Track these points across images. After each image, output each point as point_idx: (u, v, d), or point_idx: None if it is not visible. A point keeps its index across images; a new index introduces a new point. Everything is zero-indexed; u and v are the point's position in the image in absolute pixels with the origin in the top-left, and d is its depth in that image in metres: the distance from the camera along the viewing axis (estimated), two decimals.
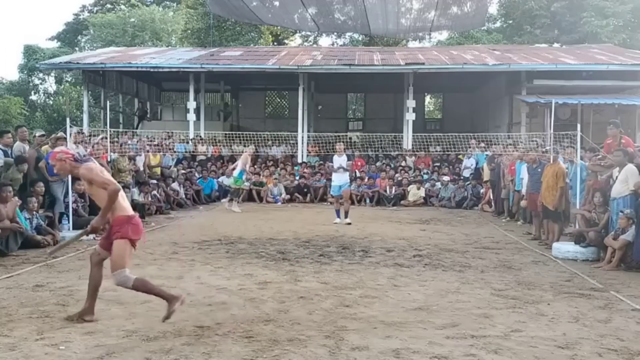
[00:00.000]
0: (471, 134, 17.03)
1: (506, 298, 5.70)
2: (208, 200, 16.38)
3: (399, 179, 16.91)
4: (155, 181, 13.90)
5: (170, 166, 16.48)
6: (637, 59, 19.48)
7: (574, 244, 8.22)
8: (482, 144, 16.56)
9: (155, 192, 13.47)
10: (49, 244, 8.43)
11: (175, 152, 16.90)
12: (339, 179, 11.83)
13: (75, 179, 9.91)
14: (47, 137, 11.10)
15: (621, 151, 7.98)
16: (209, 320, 4.78)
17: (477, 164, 16.81)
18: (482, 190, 15.30)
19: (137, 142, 14.95)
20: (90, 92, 22.91)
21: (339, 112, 28.16)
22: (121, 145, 13.62)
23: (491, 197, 14.43)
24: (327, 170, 16.86)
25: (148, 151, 14.55)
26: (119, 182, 12.17)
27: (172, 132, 19.26)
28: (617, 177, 7.84)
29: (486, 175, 15.36)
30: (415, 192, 16.18)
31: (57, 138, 9.85)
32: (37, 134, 10.83)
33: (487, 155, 15.41)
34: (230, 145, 18.83)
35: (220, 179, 17.20)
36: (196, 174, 16.93)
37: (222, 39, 31.24)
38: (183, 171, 16.47)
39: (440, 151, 18.47)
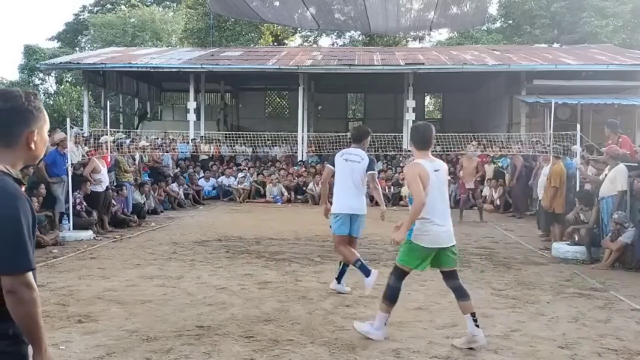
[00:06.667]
0: (471, 134, 17.03)
1: (506, 298, 5.71)
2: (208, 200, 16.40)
3: (397, 178, 16.89)
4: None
5: (169, 165, 16.48)
6: (637, 59, 19.47)
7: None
8: (475, 143, 16.59)
9: (154, 192, 13.48)
10: (50, 244, 8.44)
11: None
12: None
13: (79, 179, 9.93)
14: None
15: (608, 152, 8.00)
16: (209, 320, 4.79)
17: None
18: (484, 190, 15.28)
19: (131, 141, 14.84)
20: (90, 92, 22.87)
21: (339, 112, 28.16)
22: (128, 146, 13.60)
23: (494, 196, 14.46)
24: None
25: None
26: (124, 182, 12.12)
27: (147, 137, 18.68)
28: (606, 175, 7.84)
29: (488, 174, 15.35)
30: (405, 191, 16.11)
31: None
32: None
33: (500, 159, 15.46)
34: (233, 145, 18.85)
35: (220, 179, 17.23)
36: (197, 175, 16.95)
37: (222, 39, 31.24)
38: (177, 170, 16.44)
39: (440, 151, 18.46)
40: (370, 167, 5.78)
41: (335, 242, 5.82)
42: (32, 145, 1.90)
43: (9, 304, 1.75)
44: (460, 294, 4.30)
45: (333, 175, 5.85)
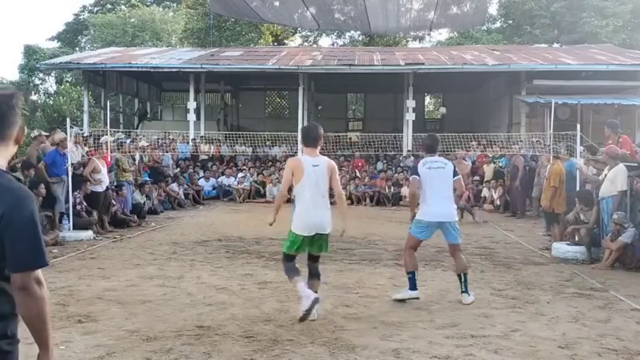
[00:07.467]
0: (471, 134, 17.03)
1: (506, 298, 5.71)
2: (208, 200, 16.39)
3: (397, 178, 16.87)
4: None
5: (169, 165, 16.48)
6: (637, 59, 19.47)
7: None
8: (474, 143, 16.60)
9: (154, 192, 13.48)
10: (50, 244, 8.44)
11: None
12: None
13: (79, 179, 9.92)
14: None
15: (607, 152, 8.00)
16: (209, 320, 4.79)
17: (472, 164, 16.83)
18: (484, 190, 15.28)
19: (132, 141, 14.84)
20: (90, 92, 22.88)
21: (339, 112, 28.13)
22: (128, 146, 13.58)
23: (494, 196, 14.45)
24: None
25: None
26: (123, 181, 12.13)
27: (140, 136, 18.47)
28: (606, 176, 7.84)
29: (488, 175, 15.35)
30: (405, 191, 16.09)
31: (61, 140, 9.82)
32: (35, 134, 10.71)
33: (499, 159, 15.45)
34: (233, 145, 18.85)
35: (220, 179, 17.23)
36: (197, 175, 16.96)
37: (222, 39, 31.23)
38: (177, 170, 16.43)
39: (440, 151, 18.45)
40: (455, 172, 5.77)
41: (406, 242, 5.73)
42: (21, 141, 1.96)
43: (19, 302, 1.75)
44: (314, 274, 4.95)
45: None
